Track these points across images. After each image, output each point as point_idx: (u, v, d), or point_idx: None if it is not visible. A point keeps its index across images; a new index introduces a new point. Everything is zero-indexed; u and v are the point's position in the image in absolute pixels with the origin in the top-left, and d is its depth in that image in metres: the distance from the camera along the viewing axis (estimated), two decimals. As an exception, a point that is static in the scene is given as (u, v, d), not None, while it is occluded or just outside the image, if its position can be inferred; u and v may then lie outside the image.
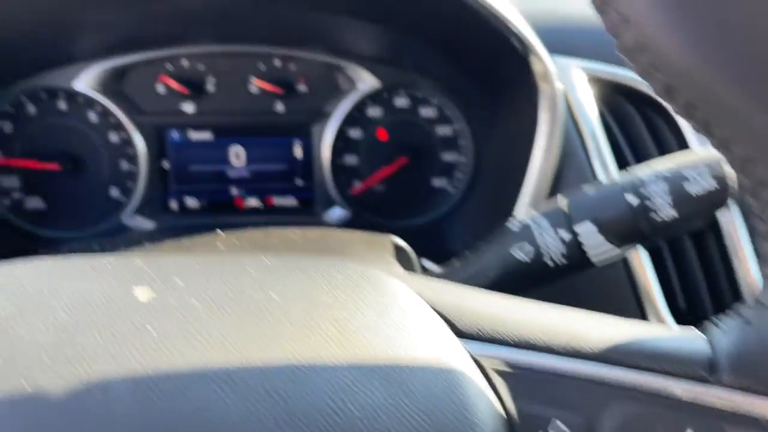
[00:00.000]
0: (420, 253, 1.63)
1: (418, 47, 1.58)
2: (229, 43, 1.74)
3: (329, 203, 1.90)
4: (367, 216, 1.92)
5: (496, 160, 1.77)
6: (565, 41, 1.56)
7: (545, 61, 1.37)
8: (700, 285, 1.42)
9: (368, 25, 1.52)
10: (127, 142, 1.80)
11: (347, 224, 1.90)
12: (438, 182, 1.93)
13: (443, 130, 1.90)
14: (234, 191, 1.89)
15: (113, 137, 1.80)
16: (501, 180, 1.71)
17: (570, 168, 1.49)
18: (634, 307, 1.38)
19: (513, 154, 1.61)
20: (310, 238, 1.22)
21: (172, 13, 1.47)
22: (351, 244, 1.21)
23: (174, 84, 1.76)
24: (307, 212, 1.92)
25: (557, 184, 1.50)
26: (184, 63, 1.78)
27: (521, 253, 1.06)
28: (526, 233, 1.07)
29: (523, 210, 1.49)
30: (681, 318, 1.37)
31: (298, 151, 1.88)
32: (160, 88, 1.79)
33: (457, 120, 1.88)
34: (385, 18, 1.45)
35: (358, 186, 1.92)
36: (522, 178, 1.52)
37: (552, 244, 1.05)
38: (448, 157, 1.92)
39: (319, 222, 1.91)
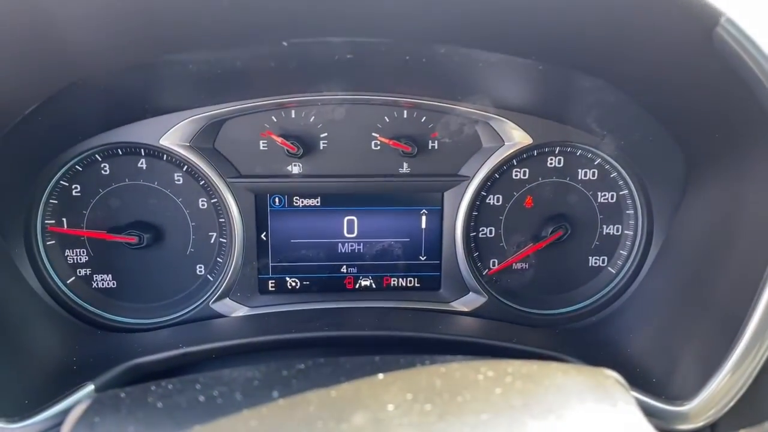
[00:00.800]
0: (573, 354, 1.27)
1: (607, 98, 1.21)
2: (350, 91, 1.39)
3: (459, 285, 1.53)
4: (506, 302, 1.54)
5: (683, 236, 1.38)
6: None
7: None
8: None
9: (542, 68, 1.16)
10: (219, 209, 1.47)
11: (480, 312, 1.53)
12: (596, 261, 1.55)
13: (605, 197, 1.52)
14: (344, 269, 1.53)
15: (202, 203, 1.47)
16: (693, 262, 1.31)
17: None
18: None
19: (720, 230, 1.23)
20: (524, 376, 0.86)
21: (297, 59, 1.12)
22: (581, 396, 0.83)
23: (279, 140, 1.42)
24: (432, 295, 1.55)
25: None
26: (293, 113, 1.44)
27: None
28: None
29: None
30: None
31: (424, 222, 1.52)
32: (262, 145, 1.45)
33: (623, 184, 1.51)
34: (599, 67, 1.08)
35: (495, 264, 1.55)
36: (737, 260, 1.13)
37: None
38: (610, 229, 1.54)
39: (446, 308, 1.54)
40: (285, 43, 1.04)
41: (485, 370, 0.86)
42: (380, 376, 0.83)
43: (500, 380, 0.83)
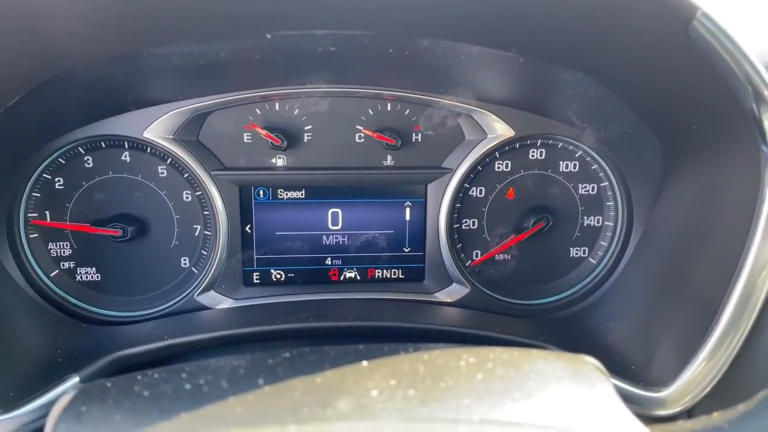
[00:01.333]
0: (554, 343, 1.29)
1: (586, 90, 1.23)
2: (334, 84, 1.40)
3: (443, 276, 1.55)
4: (488, 293, 1.56)
5: (662, 227, 1.40)
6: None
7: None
8: None
9: (524, 63, 1.18)
10: (204, 201, 1.47)
11: (463, 302, 1.55)
12: (577, 252, 1.58)
13: (585, 188, 1.54)
14: (329, 261, 1.54)
15: (186, 196, 1.47)
16: (671, 252, 1.34)
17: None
18: None
19: (697, 221, 1.25)
20: (505, 362, 0.88)
21: (281, 51, 1.13)
22: (561, 381, 0.85)
23: (263, 132, 1.42)
24: (416, 287, 1.57)
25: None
26: (277, 106, 1.45)
27: None
28: None
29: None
30: None
31: (408, 214, 1.53)
32: (246, 138, 1.46)
33: (604, 176, 1.53)
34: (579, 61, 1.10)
35: (478, 256, 1.57)
36: (714, 250, 1.16)
37: None
38: (591, 220, 1.56)
39: (429, 299, 1.56)
40: (269, 36, 1.05)
41: (467, 356, 0.88)
42: (364, 363, 0.85)
43: (482, 366, 0.85)
